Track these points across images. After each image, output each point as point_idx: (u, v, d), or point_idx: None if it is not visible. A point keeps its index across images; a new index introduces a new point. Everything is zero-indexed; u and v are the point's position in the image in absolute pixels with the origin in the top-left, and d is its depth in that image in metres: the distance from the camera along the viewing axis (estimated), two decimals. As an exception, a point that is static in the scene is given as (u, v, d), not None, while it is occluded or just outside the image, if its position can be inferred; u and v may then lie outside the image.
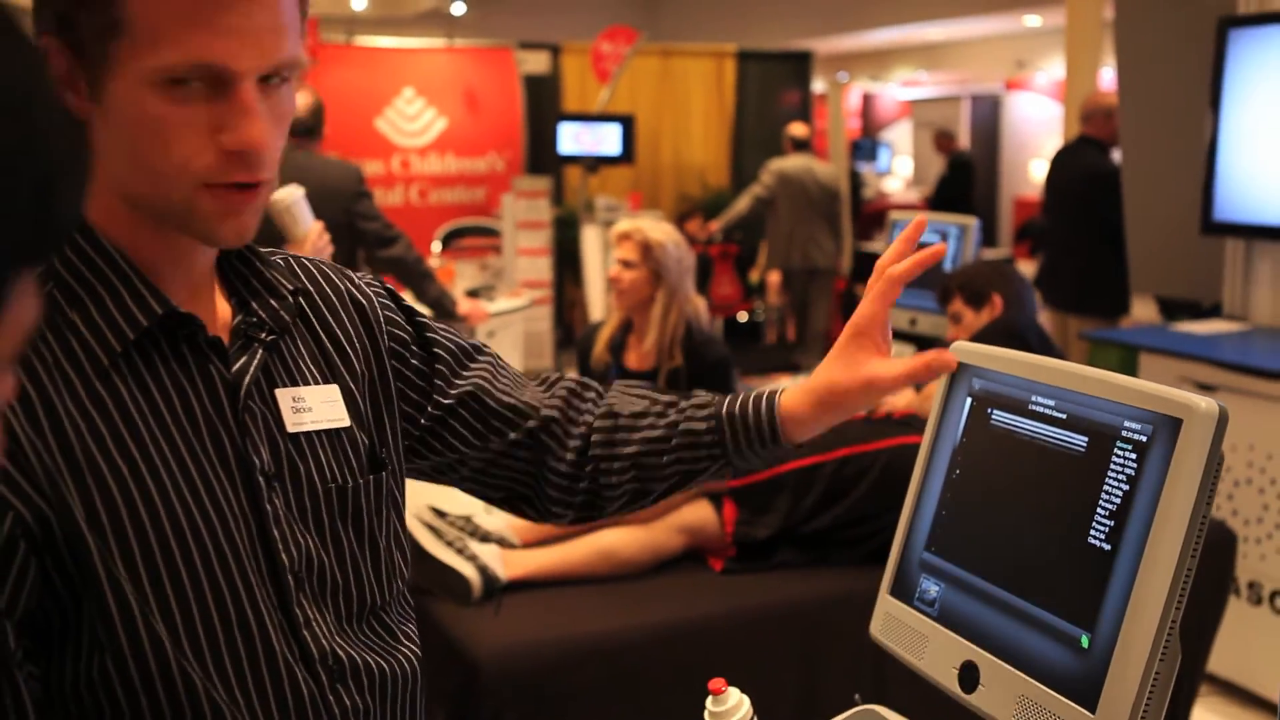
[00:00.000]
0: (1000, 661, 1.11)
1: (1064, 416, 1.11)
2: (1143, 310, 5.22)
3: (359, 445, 1.08)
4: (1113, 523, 1.03)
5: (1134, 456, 1.03)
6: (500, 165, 8.89)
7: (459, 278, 5.63)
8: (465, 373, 1.21)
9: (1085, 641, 1.03)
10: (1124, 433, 1.04)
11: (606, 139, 8.16)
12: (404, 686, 1.10)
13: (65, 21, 0.87)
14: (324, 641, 1.02)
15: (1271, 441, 3.23)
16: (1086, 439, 1.08)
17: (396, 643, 1.12)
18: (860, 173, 13.15)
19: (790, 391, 1.21)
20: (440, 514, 2.53)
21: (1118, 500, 1.03)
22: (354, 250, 3.95)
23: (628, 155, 8.27)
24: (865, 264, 8.66)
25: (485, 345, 1.26)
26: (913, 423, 2.76)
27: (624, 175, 9.37)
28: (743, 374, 8.19)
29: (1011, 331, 2.84)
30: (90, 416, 0.91)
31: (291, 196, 2.95)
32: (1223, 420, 0.98)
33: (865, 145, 14.72)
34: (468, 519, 2.52)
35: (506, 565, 2.40)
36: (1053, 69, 11.97)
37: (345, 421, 1.07)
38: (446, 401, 1.18)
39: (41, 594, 0.89)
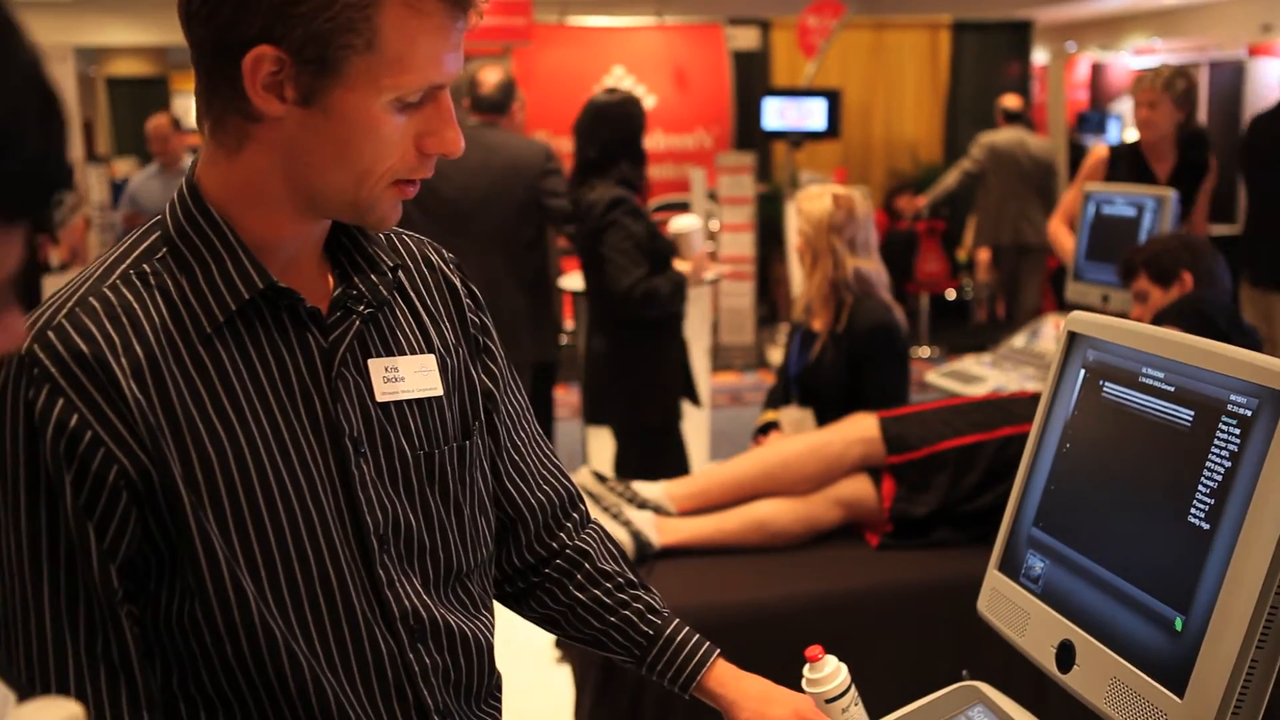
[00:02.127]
0: (1096, 641, 1.07)
1: (1172, 389, 1.05)
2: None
3: (448, 414, 1.13)
4: (1213, 501, 0.98)
5: (1238, 431, 0.97)
6: (708, 141, 8.91)
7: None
8: (514, 409, 1.25)
9: (1179, 624, 0.98)
10: (1229, 406, 0.98)
11: (811, 114, 8.03)
12: (480, 651, 1.15)
13: (309, 36, 0.93)
14: (406, 601, 1.07)
15: None
16: (1193, 413, 1.02)
17: (478, 610, 1.17)
18: (1087, 147, 12.52)
19: (719, 673, 1.26)
20: (601, 479, 2.59)
21: (1219, 477, 0.98)
22: (543, 227, 4.04)
23: (833, 130, 8.12)
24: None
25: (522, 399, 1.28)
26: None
27: (832, 150, 9.23)
28: (949, 352, 8.02)
29: (1199, 311, 2.65)
30: (192, 378, 0.97)
31: (688, 227, 3.64)
32: (1332, 394, 0.91)
33: (1093, 118, 13.98)
34: (627, 485, 2.57)
35: (661, 532, 2.44)
36: (1304, 32, 11.08)
37: (438, 390, 1.11)
38: (494, 425, 1.22)
39: (141, 541, 0.97)
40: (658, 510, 2.52)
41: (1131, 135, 14.18)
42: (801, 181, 7.97)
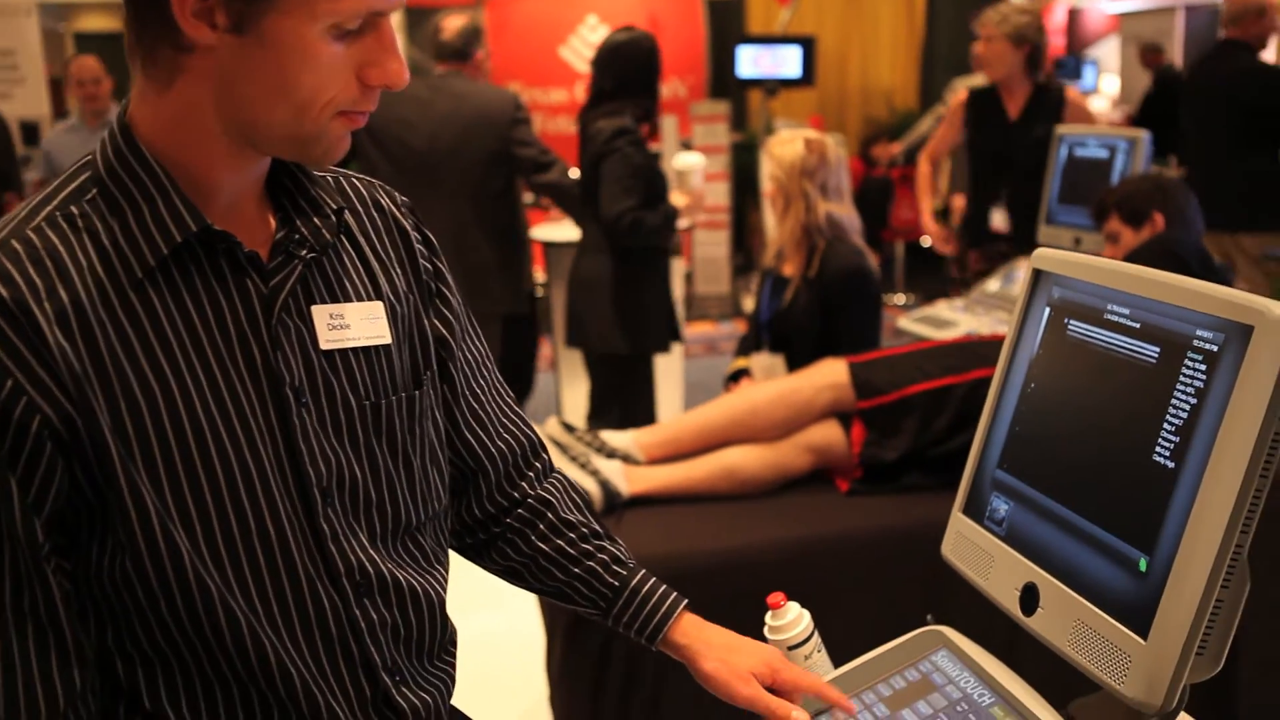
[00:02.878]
0: (1059, 584, 1.05)
1: (1137, 326, 1.03)
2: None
3: (397, 363, 1.09)
4: (1178, 439, 0.95)
5: (1203, 368, 0.94)
6: (683, 91, 8.82)
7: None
8: (473, 358, 1.21)
9: (1143, 565, 0.96)
10: (1195, 342, 0.96)
11: (786, 61, 7.94)
12: (431, 607, 1.12)
13: None
14: (351, 556, 1.04)
15: None
16: (1158, 349, 1.00)
17: (430, 565, 1.14)
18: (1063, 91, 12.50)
19: (684, 625, 1.24)
20: (569, 428, 2.56)
21: (1184, 414, 0.95)
22: (511, 177, 3.98)
23: (808, 78, 8.04)
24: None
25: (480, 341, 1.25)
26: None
27: (808, 98, 9.15)
28: (925, 299, 8.01)
29: (1169, 251, 2.63)
30: (122, 325, 0.93)
31: (691, 165, 3.64)
32: (1300, 327, 0.88)
33: (1069, 63, 13.90)
34: (595, 434, 2.54)
35: (629, 481, 2.41)
36: (1280, -25, 11.03)
37: (386, 339, 1.08)
38: (444, 373, 1.18)
39: (70, 494, 0.93)
40: (626, 459, 2.50)
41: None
42: (776, 129, 7.92)
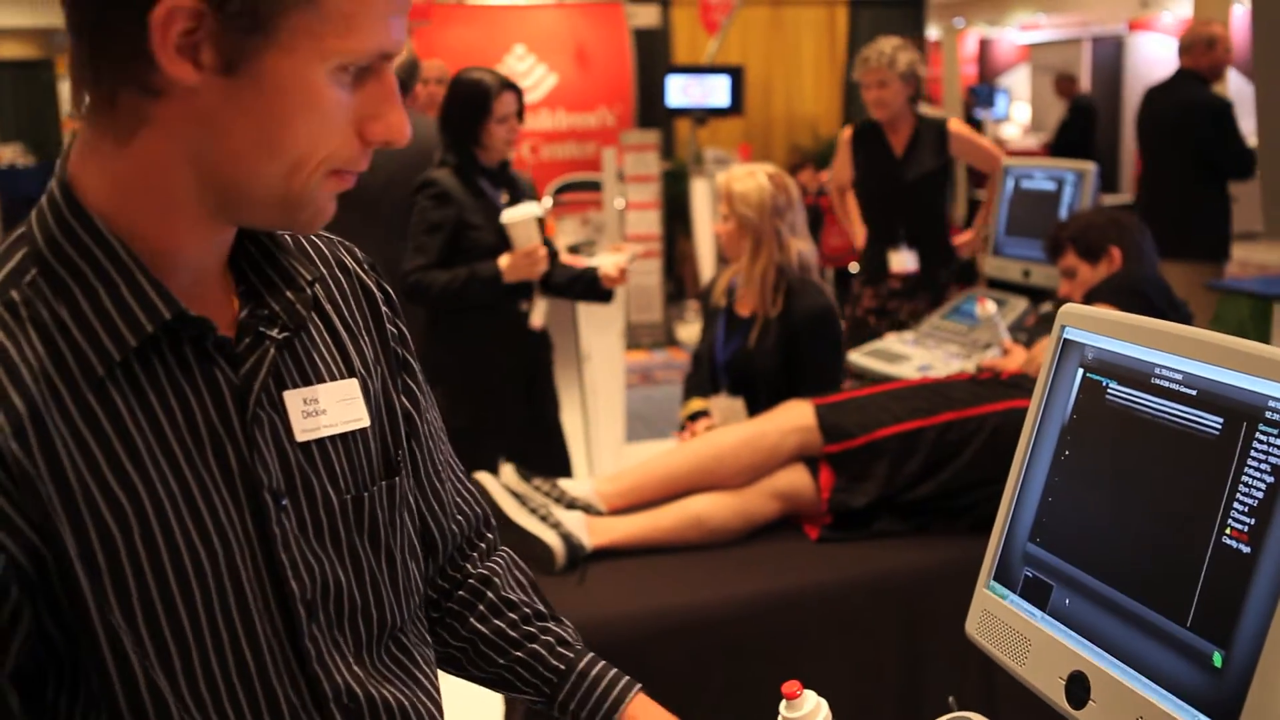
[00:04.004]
0: (1115, 675, 0.97)
1: (1194, 393, 0.95)
2: (1271, 255, 4.84)
3: (373, 447, 0.97)
4: (1254, 520, 0.88)
5: (1280, 442, 0.87)
6: (611, 120, 8.80)
7: (560, 234, 5.54)
8: (432, 433, 1.10)
9: (1218, 660, 0.88)
10: (1269, 413, 0.88)
11: (715, 91, 7.96)
12: None
13: None
14: (338, 677, 0.92)
15: None
16: (1221, 420, 0.92)
17: (416, 669, 1.02)
18: (978, 120, 12.71)
19: (636, 712, 1.11)
20: (525, 477, 2.45)
21: (1260, 493, 0.88)
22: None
23: (736, 107, 8.06)
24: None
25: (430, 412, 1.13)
26: (1022, 384, 2.58)
27: (735, 127, 9.17)
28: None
29: (1133, 288, 2.61)
30: (81, 435, 0.79)
31: (520, 218, 3.09)
32: (1392, 401, 0.82)
33: (982, 91, 14.23)
34: (554, 484, 2.43)
35: (592, 533, 2.31)
36: (1179, 8, 11.32)
37: (365, 421, 0.96)
38: (413, 448, 1.07)
39: (35, 643, 0.79)
40: (587, 509, 2.39)
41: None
42: (706, 159, 7.89)
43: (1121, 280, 2.68)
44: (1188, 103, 4.72)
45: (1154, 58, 12.90)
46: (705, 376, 3.06)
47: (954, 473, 2.38)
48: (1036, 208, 3.44)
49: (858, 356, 3.61)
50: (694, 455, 2.47)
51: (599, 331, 4.59)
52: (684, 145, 8.55)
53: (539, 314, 3.20)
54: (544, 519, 2.30)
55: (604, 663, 1.15)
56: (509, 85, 3.16)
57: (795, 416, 2.48)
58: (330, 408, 0.92)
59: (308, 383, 0.92)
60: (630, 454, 4.54)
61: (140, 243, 0.82)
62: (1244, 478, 0.89)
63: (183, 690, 0.82)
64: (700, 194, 7.63)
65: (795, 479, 2.43)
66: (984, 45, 15.35)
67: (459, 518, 1.14)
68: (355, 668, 0.93)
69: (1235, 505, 0.89)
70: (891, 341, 3.69)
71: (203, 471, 0.83)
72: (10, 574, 0.75)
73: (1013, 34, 14.98)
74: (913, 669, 2.25)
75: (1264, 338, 3.82)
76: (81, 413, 0.79)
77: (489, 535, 1.19)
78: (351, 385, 0.95)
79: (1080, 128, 10.96)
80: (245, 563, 0.85)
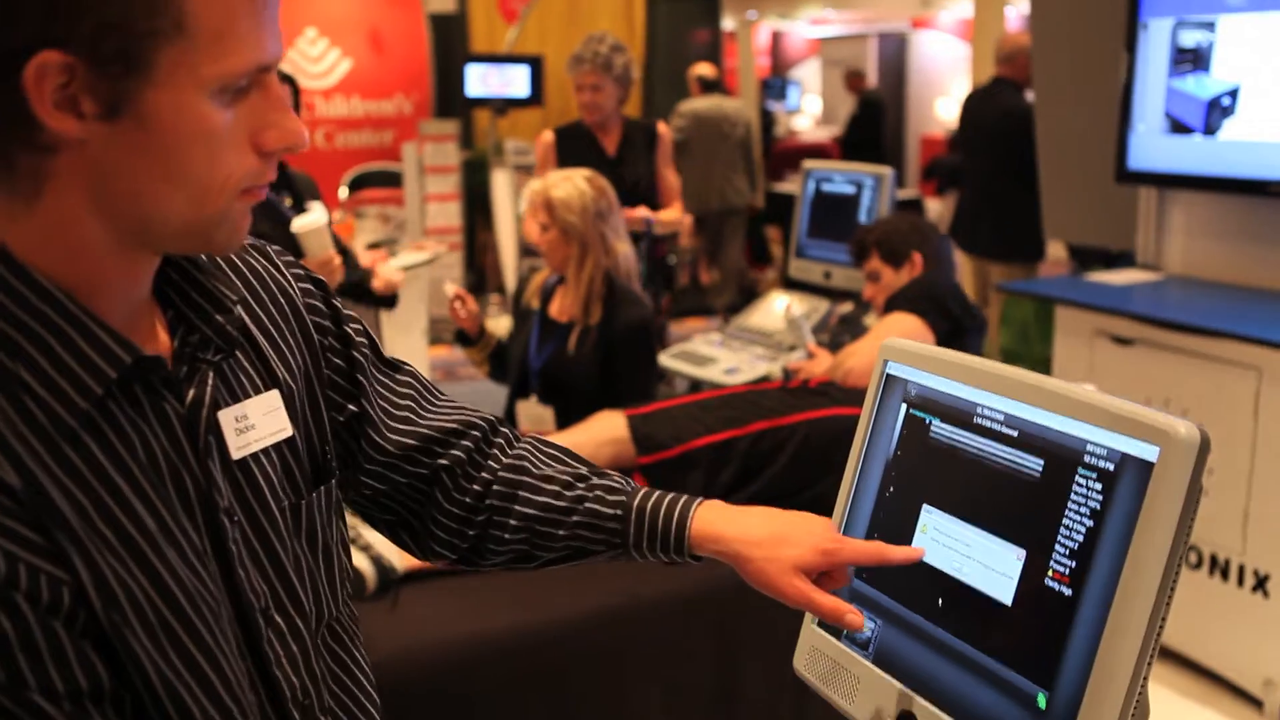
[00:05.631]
0: (943, 714, 0.98)
1: (1015, 434, 0.97)
2: (1052, 257, 5.12)
3: (301, 454, 0.99)
4: (1074, 563, 0.90)
5: (1099, 487, 0.89)
6: (408, 108, 8.59)
7: (360, 231, 5.37)
8: (386, 388, 1.12)
9: (1042, 701, 0.90)
10: (1087, 458, 0.90)
11: (515, 80, 7.87)
12: (367, 701, 1.05)
13: (103, 28, 0.74)
14: (294, 677, 0.95)
15: (1188, 396, 3.18)
16: (1042, 462, 0.94)
17: (346, 654, 1.04)
18: (771, 111, 13.04)
19: (711, 518, 1.10)
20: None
21: (1080, 537, 0.90)
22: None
23: (537, 97, 8.00)
24: (777, 203, 8.50)
25: (404, 362, 1.16)
26: (829, 392, 2.63)
27: (535, 117, 9.08)
28: (656, 314, 8.15)
29: (933, 294, 2.71)
30: (67, 488, 0.79)
31: (312, 226, 2.96)
32: (1204, 448, 0.85)
33: (775, 84, 14.60)
34: (360, 504, 2.34)
35: (403, 555, 2.23)
36: (958, 8, 11.90)
37: (288, 431, 0.97)
38: (361, 412, 1.08)
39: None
40: (396, 530, 2.30)
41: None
42: (507, 150, 7.80)
43: (921, 286, 2.77)
44: (1009, 112, 4.92)
45: (935, 54, 13.52)
46: (517, 381, 3.00)
47: (767, 481, 2.41)
48: (837, 210, 3.53)
49: (665, 359, 3.63)
50: (507, 469, 2.42)
51: (401, 331, 4.48)
52: (484, 135, 8.43)
53: None
54: (352, 541, 2.20)
55: (658, 492, 1.12)
56: (286, 78, 2.99)
57: (608, 427, 2.46)
58: (258, 421, 0.94)
59: (236, 400, 0.93)
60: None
61: (75, 290, 0.82)
62: (1064, 520, 0.91)
63: (207, 704, 0.85)
64: (501, 184, 7.55)
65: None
66: (776, 38, 15.76)
67: (472, 432, 1.14)
68: (301, 664, 0.96)
69: (1057, 548, 0.91)
70: (699, 344, 3.72)
71: (170, 503, 0.85)
72: (59, 588, 0.77)
73: (803, 28, 15.42)
74: (730, 681, 2.26)
75: (1047, 339, 4.03)
76: (60, 463, 0.80)
77: (504, 430, 1.18)
78: (274, 397, 0.96)
79: (869, 121, 11.38)
80: (213, 583, 0.87)
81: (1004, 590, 0.95)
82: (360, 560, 2.18)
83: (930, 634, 1.01)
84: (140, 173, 0.79)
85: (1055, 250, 5.08)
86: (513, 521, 1.12)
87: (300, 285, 1.04)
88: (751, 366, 3.39)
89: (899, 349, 1.11)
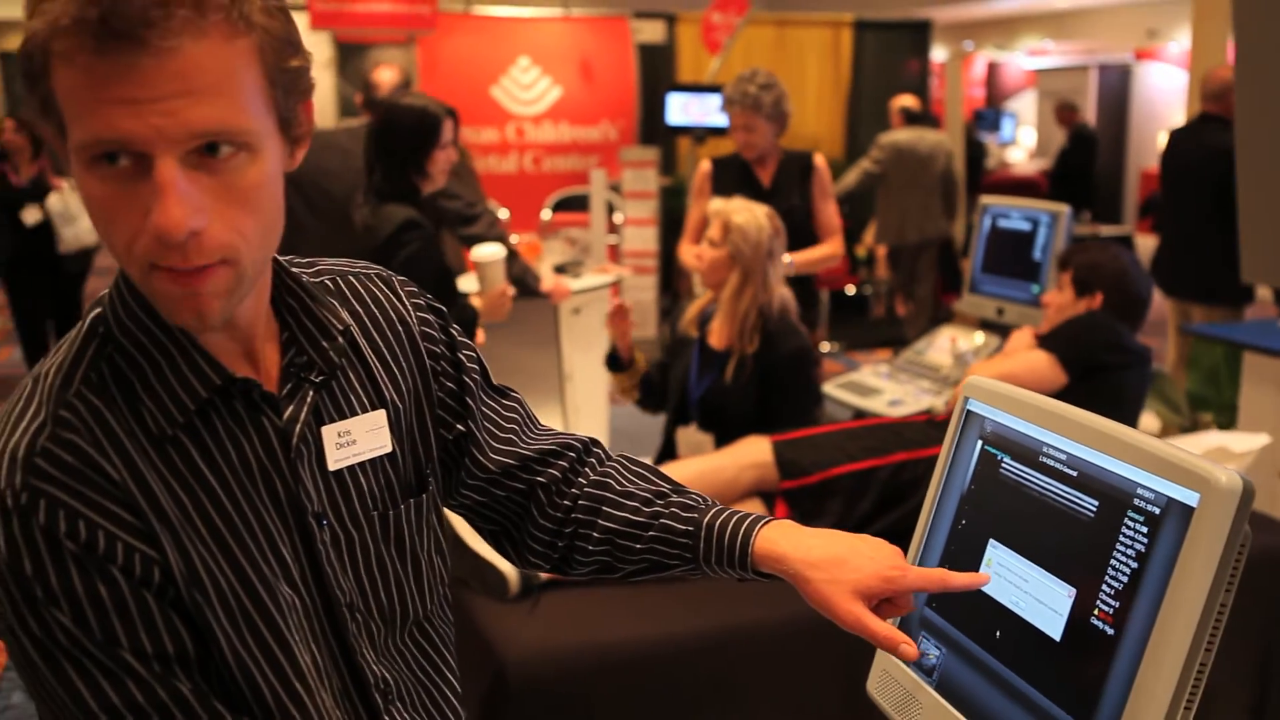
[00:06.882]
0: (992, 745, 1.00)
1: (1075, 474, 0.98)
2: (1262, 299, 4.84)
3: (401, 468, 1.08)
4: (1118, 603, 0.91)
5: (1145, 530, 0.90)
6: (613, 134, 8.83)
7: (547, 253, 5.56)
8: (493, 411, 1.20)
9: (1080, 736, 0.91)
10: (1137, 501, 0.91)
11: (714, 110, 7.99)
12: (449, 700, 1.15)
13: (41, 108, 0.86)
14: (376, 668, 1.05)
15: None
16: (1097, 503, 0.95)
17: (435, 651, 1.13)
18: (983, 143, 12.74)
19: (775, 537, 1.10)
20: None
21: (1125, 578, 0.91)
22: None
23: (736, 127, 8.09)
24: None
25: (511, 389, 1.25)
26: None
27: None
28: (849, 348, 8.08)
29: (1085, 337, 2.70)
30: (168, 483, 0.92)
31: (491, 257, 3.11)
32: (1247, 496, 0.85)
33: (989, 115, 14.27)
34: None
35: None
36: (1186, 38, 11.38)
37: (388, 447, 1.07)
38: (468, 432, 1.17)
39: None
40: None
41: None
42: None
43: (1078, 326, 2.76)
44: (1213, 148, 4.69)
45: (1159, 86, 12.95)
46: (678, 408, 3.04)
47: (906, 512, 2.41)
48: (1012, 247, 3.47)
49: (831, 389, 3.64)
50: (652, 487, 2.49)
51: (582, 350, 4.62)
52: (684, 162, 8.58)
53: (480, 334, 3.24)
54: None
55: (728, 510, 1.16)
56: (450, 111, 3.13)
57: (753, 452, 2.51)
58: (360, 437, 1.04)
59: (342, 416, 1.03)
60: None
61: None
62: (1112, 560, 0.92)
63: (275, 684, 0.96)
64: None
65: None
66: (992, 69, 15.41)
67: (568, 453, 1.21)
68: (383, 657, 1.07)
69: (1104, 588, 0.92)
70: (866, 374, 3.71)
71: (259, 504, 0.96)
72: (150, 566, 0.90)
73: (1021, 59, 15.04)
74: (854, 708, 2.27)
75: (1236, 384, 3.84)
76: (164, 462, 0.92)
77: (596, 450, 1.25)
78: (379, 416, 1.06)
79: (1080, 155, 11.00)
80: (300, 578, 0.98)
81: (1054, 626, 0.96)
82: (506, 566, 2.29)
83: (987, 664, 1.03)
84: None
85: (1265, 293, 4.80)
86: (596, 534, 1.18)
87: (419, 315, 1.13)
88: (916, 399, 3.37)
89: (979, 387, 1.13)
